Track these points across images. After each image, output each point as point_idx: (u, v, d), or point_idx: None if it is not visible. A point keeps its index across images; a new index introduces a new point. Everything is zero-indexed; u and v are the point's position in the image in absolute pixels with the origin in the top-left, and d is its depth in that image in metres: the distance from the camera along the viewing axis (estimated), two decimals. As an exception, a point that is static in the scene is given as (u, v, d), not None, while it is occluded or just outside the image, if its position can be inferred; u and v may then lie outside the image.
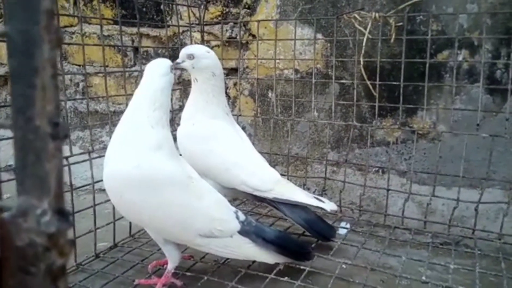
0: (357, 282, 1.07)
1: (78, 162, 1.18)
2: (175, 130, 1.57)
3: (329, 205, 1.23)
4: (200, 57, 1.27)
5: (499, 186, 1.39)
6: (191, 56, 1.26)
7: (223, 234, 1.01)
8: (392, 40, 1.38)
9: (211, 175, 1.26)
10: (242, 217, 1.06)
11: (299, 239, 1.28)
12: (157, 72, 1.01)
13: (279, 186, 1.24)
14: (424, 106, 1.38)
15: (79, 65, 2.06)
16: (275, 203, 1.24)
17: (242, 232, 1.03)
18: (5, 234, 0.31)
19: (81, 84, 2.11)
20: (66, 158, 1.13)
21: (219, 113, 1.30)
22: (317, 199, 1.24)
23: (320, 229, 1.24)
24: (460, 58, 1.40)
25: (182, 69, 1.39)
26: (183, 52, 1.27)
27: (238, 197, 1.31)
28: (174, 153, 1.05)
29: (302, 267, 1.11)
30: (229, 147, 1.28)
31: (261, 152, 1.39)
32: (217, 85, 1.29)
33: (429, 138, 1.50)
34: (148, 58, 1.92)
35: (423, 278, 1.08)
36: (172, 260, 1.04)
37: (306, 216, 1.23)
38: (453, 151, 1.45)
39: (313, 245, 1.23)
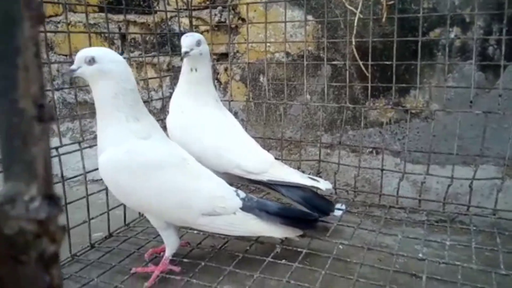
0: (354, 261, 1.07)
1: (68, 153, 1.16)
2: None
3: (324, 184, 1.23)
4: (204, 41, 1.26)
5: (492, 162, 1.40)
6: (199, 43, 1.23)
7: (226, 211, 1.02)
8: (383, 20, 1.36)
9: (203, 161, 1.24)
10: (242, 194, 1.07)
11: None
12: (118, 66, 0.96)
13: (273, 168, 1.23)
14: (417, 84, 1.37)
15: (66, 55, 2.02)
16: (271, 185, 1.24)
17: (245, 208, 1.04)
18: (-7, 222, 0.30)
19: (69, 74, 2.07)
20: (56, 148, 1.11)
21: (209, 100, 1.29)
22: (312, 179, 1.24)
23: (318, 205, 1.22)
24: (452, 35, 1.39)
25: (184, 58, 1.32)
26: (190, 40, 1.21)
27: (233, 182, 1.30)
28: (165, 138, 1.05)
29: (299, 249, 1.11)
30: (220, 132, 1.26)
31: (254, 137, 1.38)
32: (211, 72, 1.30)
33: (422, 117, 1.49)
34: (136, 45, 1.89)
35: (420, 255, 1.09)
36: (170, 246, 1.04)
37: (304, 194, 1.22)
38: (446, 129, 1.45)
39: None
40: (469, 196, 1.32)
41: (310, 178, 1.24)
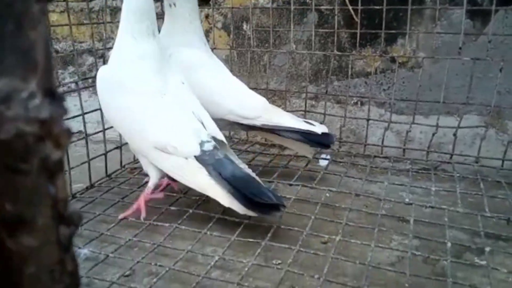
0: (343, 207, 1.07)
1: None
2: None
3: (319, 128, 1.21)
4: None
5: (475, 112, 1.41)
6: None
7: (178, 152, 0.97)
8: (374, -39, 1.31)
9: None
10: (208, 147, 0.98)
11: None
12: None
13: (267, 112, 1.20)
14: (407, 30, 1.34)
15: (33, 0, 1.88)
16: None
17: (200, 159, 0.97)
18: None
19: (37, 21, 1.93)
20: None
21: (196, 42, 1.23)
22: (307, 122, 1.22)
23: (318, 139, 1.20)
24: (441, -20, 1.35)
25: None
26: None
27: (224, 129, 1.27)
28: (159, 65, 1.04)
29: (288, 197, 1.10)
30: (211, 77, 1.22)
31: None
32: (194, 9, 1.22)
33: (408, 67, 1.48)
34: (110, -11, 1.77)
35: (407, 200, 1.10)
36: (152, 176, 1.05)
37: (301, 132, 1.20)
38: (432, 79, 1.44)
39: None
40: (453, 144, 1.33)
41: (305, 121, 1.22)
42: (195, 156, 0.97)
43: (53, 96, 0.24)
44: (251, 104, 1.21)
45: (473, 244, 0.93)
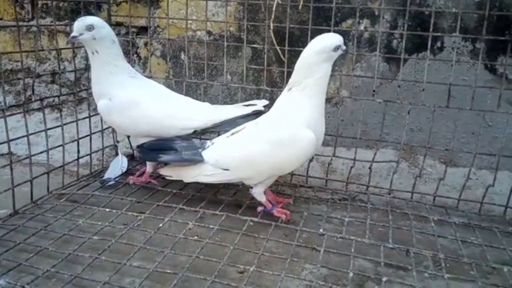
0: (262, 237, 1.14)
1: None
2: (87, 89, 1.52)
3: (261, 103, 1.36)
4: (100, 26, 1.26)
5: (391, 146, 1.54)
6: (90, 28, 1.24)
7: None
8: (300, 7, 1.42)
9: (151, 133, 1.33)
10: None
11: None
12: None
13: (214, 113, 1.34)
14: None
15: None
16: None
17: None
18: None
19: (-31, 38, 1.89)
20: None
21: (127, 80, 1.32)
22: (249, 105, 1.36)
23: None
24: (361, 27, 1.49)
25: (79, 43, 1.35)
26: (80, 25, 1.24)
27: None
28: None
29: (211, 226, 1.15)
30: (155, 102, 1.33)
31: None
32: (116, 52, 1.31)
33: (333, 103, 1.59)
34: (48, 11, 1.77)
35: (321, 230, 1.18)
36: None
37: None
38: (353, 115, 1.56)
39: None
40: (369, 177, 1.45)
41: (245, 105, 1.36)
42: None
43: None
44: (199, 115, 1.34)
45: (374, 273, 1.02)
